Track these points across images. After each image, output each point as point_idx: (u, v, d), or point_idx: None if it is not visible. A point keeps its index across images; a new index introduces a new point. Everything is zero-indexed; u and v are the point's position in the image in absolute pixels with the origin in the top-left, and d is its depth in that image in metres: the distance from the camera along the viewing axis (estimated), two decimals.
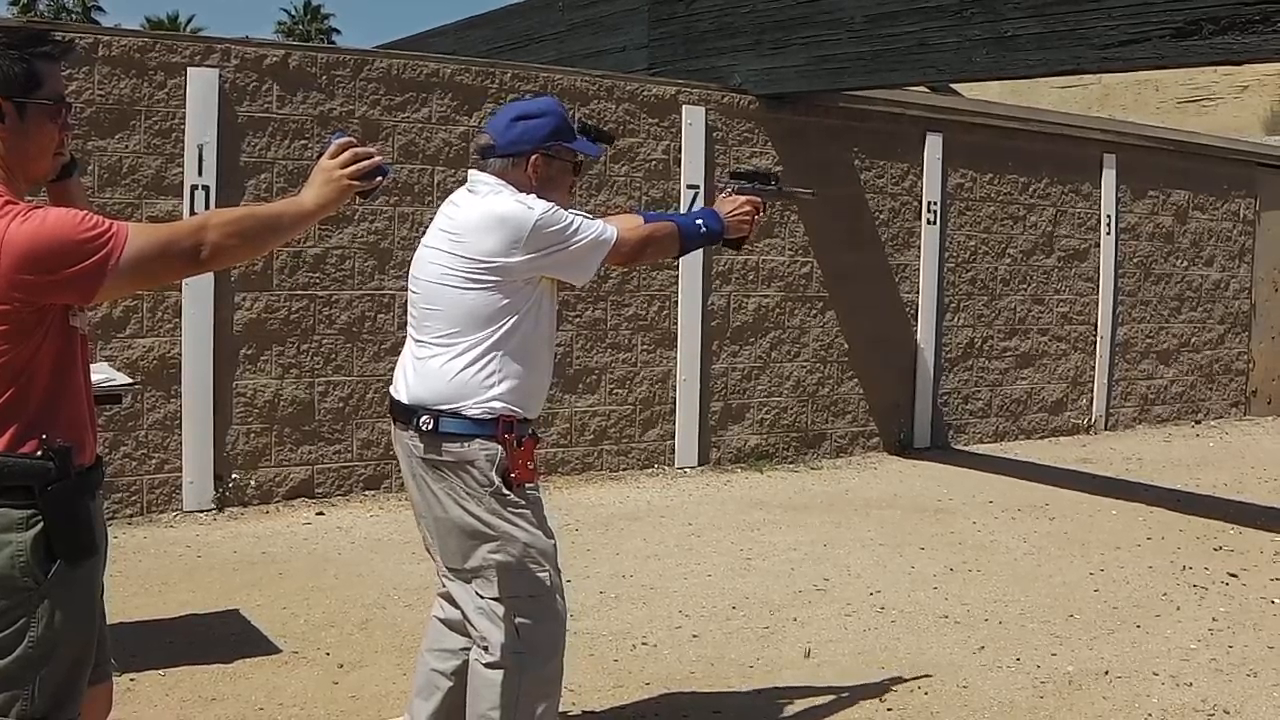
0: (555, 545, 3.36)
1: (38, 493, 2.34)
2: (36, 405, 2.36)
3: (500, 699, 3.24)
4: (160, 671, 4.43)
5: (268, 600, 5.39)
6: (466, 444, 3.20)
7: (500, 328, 3.21)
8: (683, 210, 8.32)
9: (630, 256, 3.47)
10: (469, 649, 3.37)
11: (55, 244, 2.27)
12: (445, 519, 3.28)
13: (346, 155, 2.60)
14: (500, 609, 3.25)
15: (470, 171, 3.43)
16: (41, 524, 2.34)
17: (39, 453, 2.35)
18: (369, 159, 2.62)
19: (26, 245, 2.26)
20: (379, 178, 2.64)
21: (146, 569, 5.79)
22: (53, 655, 2.38)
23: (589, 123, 3.53)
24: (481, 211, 3.22)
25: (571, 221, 3.23)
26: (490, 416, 3.20)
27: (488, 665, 3.26)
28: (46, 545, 2.35)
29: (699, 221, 3.54)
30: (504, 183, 3.29)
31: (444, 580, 3.42)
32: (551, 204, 3.24)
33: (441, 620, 3.57)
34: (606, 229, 3.32)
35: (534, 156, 3.30)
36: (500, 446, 3.21)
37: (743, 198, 3.65)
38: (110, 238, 2.32)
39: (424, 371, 3.26)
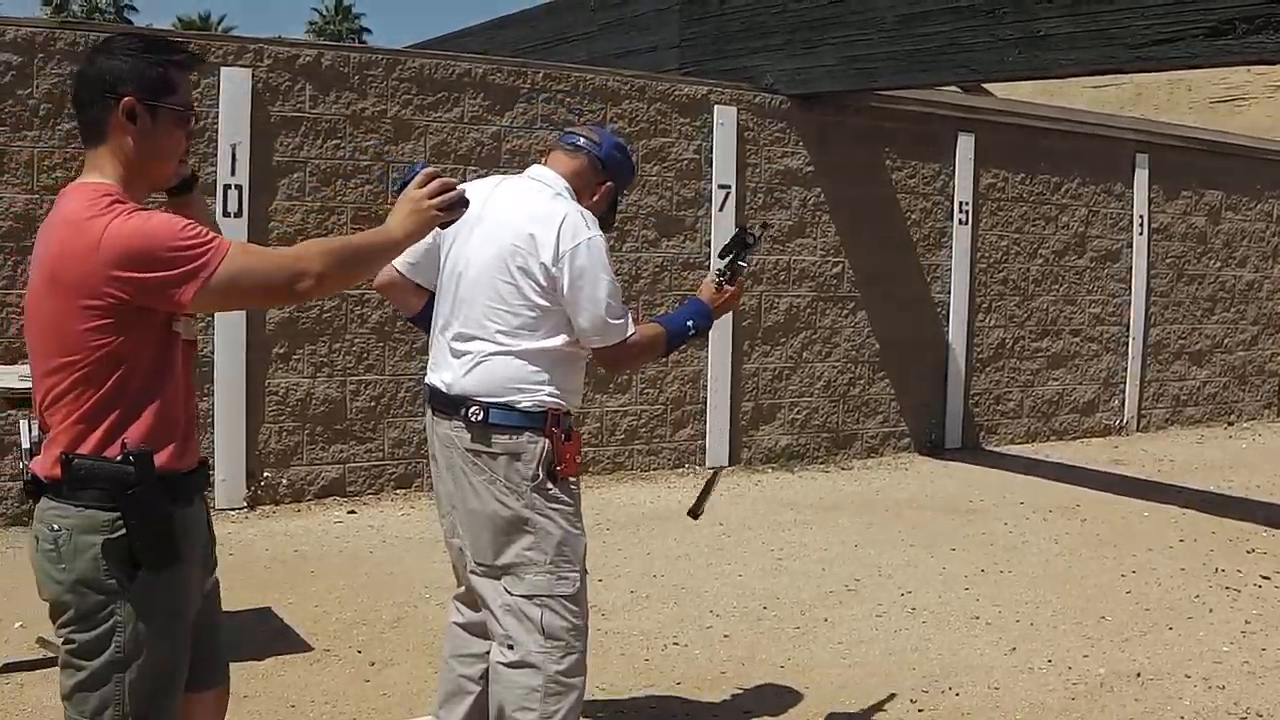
0: (586, 544, 3.38)
1: (118, 497, 2.33)
2: (128, 406, 2.36)
3: (524, 699, 3.23)
4: None
5: (300, 598, 5.43)
6: (516, 436, 3.23)
7: (556, 326, 3.25)
8: (713, 210, 8.37)
9: (617, 362, 3.49)
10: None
11: (150, 245, 2.27)
12: (481, 512, 3.27)
13: (435, 185, 2.61)
14: (528, 606, 3.24)
15: (536, 168, 3.46)
16: (125, 528, 2.34)
17: (119, 457, 2.34)
18: (453, 190, 2.64)
19: (124, 243, 2.26)
20: (462, 208, 2.67)
21: None
22: (138, 660, 2.37)
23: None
24: (550, 211, 3.26)
25: (612, 276, 3.30)
26: (540, 410, 3.24)
27: (510, 665, 3.25)
28: (129, 550, 2.34)
29: (689, 323, 3.54)
30: (571, 187, 3.38)
31: (468, 576, 3.40)
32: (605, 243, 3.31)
33: (460, 625, 3.58)
34: (630, 322, 3.36)
35: (609, 184, 3.46)
36: (547, 440, 3.25)
37: (730, 289, 3.63)
38: (208, 251, 2.31)
39: (473, 364, 3.25)
